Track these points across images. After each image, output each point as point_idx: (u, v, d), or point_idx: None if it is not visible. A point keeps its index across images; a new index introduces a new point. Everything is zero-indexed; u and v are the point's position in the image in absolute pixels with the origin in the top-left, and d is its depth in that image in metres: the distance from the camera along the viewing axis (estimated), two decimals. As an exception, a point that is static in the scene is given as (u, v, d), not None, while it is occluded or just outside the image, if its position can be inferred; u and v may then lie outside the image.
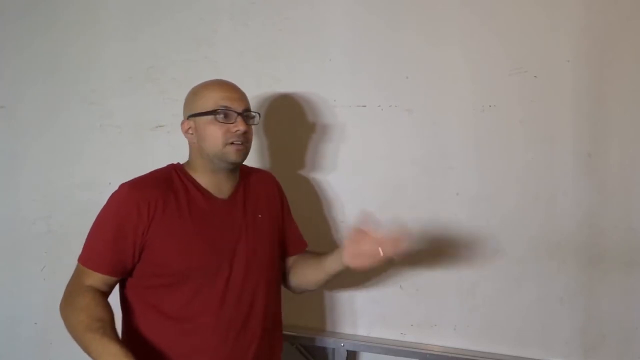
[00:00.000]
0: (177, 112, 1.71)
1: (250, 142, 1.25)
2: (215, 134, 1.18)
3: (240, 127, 1.18)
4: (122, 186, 1.20)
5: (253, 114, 1.26)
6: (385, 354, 1.58)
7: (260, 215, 1.30)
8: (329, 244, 1.61)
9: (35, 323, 1.88)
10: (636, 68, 1.39)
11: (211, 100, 1.20)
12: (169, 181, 1.22)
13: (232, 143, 1.19)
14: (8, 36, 1.87)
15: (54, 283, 1.85)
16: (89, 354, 1.06)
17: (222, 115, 1.18)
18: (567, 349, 1.47)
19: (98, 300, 1.14)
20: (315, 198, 1.64)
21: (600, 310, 1.44)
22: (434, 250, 1.55)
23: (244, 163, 1.29)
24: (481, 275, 1.52)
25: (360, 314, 1.64)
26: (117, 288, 1.24)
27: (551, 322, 1.48)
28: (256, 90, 1.64)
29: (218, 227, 1.22)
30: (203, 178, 1.24)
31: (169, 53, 1.75)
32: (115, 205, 1.18)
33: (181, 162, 1.30)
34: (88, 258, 1.18)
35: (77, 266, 1.19)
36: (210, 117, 1.19)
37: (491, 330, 1.52)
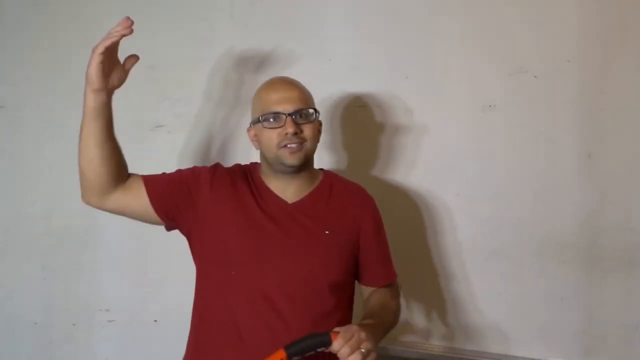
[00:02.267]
0: (177, 112, 1.73)
1: (311, 142, 1.18)
2: (269, 139, 1.17)
3: (289, 129, 1.14)
4: (212, 165, 1.27)
5: (308, 111, 1.19)
6: (386, 354, 1.58)
7: (327, 232, 1.19)
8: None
9: (35, 323, 1.88)
10: (636, 68, 1.39)
11: (262, 106, 1.19)
12: (243, 176, 1.25)
13: (285, 146, 1.15)
14: (8, 36, 1.87)
15: (54, 283, 1.86)
16: (85, 118, 1.19)
17: (270, 121, 1.16)
18: (567, 349, 1.47)
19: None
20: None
21: (600, 310, 1.44)
22: (434, 250, 1.55)
23: (340, 174, 1.32)
24: (481, 275, 1.52)
25: (360, 314, 1.63)
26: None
27: (551, 322, 1.47)
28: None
29: (267, 227, 1.18)
30: (271, 182, 1.23)
31: (169, 53, 1.74)
32: (196, 168, 1.27)
33: (255, 162, 1.31)
34: (149, 176, 1.22)
35: None
36: (262, 123, 1.17)
37: (491, 330, 1.52)
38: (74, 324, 1.84)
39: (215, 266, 1.19)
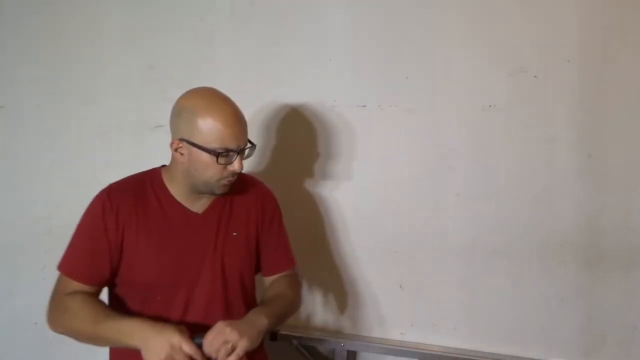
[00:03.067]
0: (177, 112, 1.72)
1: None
2: (211, 172, 1.13)
3: (237, 168, 1.14)
4: (101, 192, 1.20)
5: (249, 146, 1.18)
6: (385, 354, 1.58)
7: (235, 234, 1.24)
8: (328, 244, 1.61)
9: (35, 323, 1.87)
10: (636, 68, 1.39)
11: (214, 138, 1.10)
12: (142, 189, 1.20)
13: (226, 183, 1.16)
14: (8, 36, 1.87)
15: (53, 283, 1.86)
16: (110, 342, 1.09)
17: (223, 158, 1.12)
18: (567, 349, 1.47)
19: (91, 298, 1.15)
20: (314, 199, 1.64)
21: (600, 310, 1.44)
22: (434, 250, 1.55)
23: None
24: (481, 275, 1.52)
25: (361, 314, 1.64)
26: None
27: (551, 322, 1.48)
28: (256, 91, 1.64)
29: (185, 243, 1.19)
30: (179, 192, 1.20)
31: (168, 53, 1.74)
32: (90, 214, 1.19)
33: (155, 168, 1.26)
34: (67, 265, 1.18)
35: (59, 276, 1.19)
36: (210, 155, 1.11)
37: (491, 330, 1.52)
38: (74, 324, 1.83)
39: (136, 289, 1.19)
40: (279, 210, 1.34)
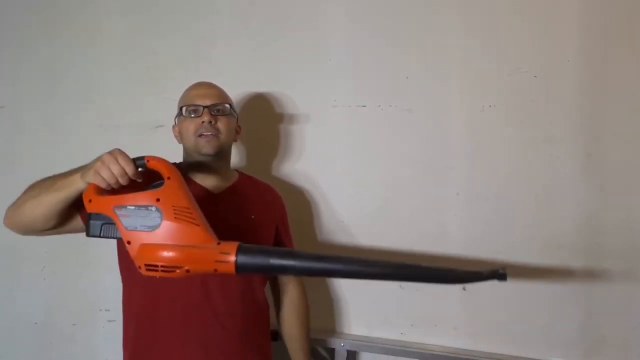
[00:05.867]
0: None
1: (225, 134, 1.27)
2: (187, 128, 1.26)
3: (204, 117, 1.24)
4: None
5: (224, 106, 1.29)
6: (385, 354, 1.58)
7: (253, 217, 1.31)
8: (328, 244, 1.61)
9: (35, 323, 1.88)
10: (636, 68, 1.39)
11: (184, 99, 1.31)
12: None
13: (201, 135, 1.24)
14: (8, 36, 1.87)
15: (54, 283, 1.86)
16: (55, 189, 1.06)
17: (190, 112, 1.26)
18: (567, 349, 1.47)
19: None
20: (315, 198, 1.64)
21: (600, 310, 1.44)
22: (434, 249, 1.55)
23: (253, 175, 1.40)
24: (481, 275, 1.52)
25: (360, 314, 1.64)
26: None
27: (551, 322, 1.47)
28: (256, 90, 1.64)
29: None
30: (193, 174, 1.29)
31: (168, 53, 1.75)
32: None
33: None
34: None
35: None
36: (182, 115, 1.28)
37: (491, 330, 1.52)
38: (74, 324, 1.84)
39: None
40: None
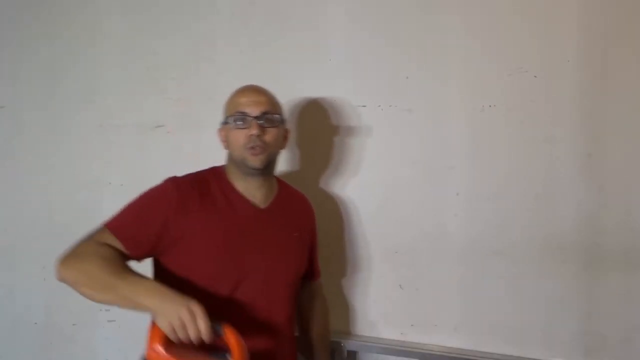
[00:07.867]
0: (177, 112, 1.73)
1: (274, 147, 1.24)
2: (236, 139, 1.21)
3: (253, 130, 1.19)
4: (169, 178, 1.22)
5: (273, 116, 1.23)
6: (385, 354, 1.58)
7: (296, 234, 1.32)
8: (328, 244, 1.61)
9: (35, 323, 1.88)
10: (636, 68, 1.39)
11: (231, 107, 1.24)
12: (207, 185, 1.23)
13: (250, 147, 1.19)
14: (8, 36, 1.87)
15: (54, 283, 1.85)
16: (120, 297, 1.03)
17: (238, 122, 1.20)
18: (567, 349, 1.47)
19: (120, 254, 1.11)
20: (312, 199, 1.64)
21: (600, 310, 1.44)
22: (434, 250, 1.55)
23: (286, 181, 1.39)
24: (481, 275, 1.52)
25: (360, 314, 1.64)
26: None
27: (551, 322, 1.47)
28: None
29: (251, 236, 1.22)
30: (238, 184, 1.25)
31: (168, 53, 1.75)
32: (155, 190, 1.21)
33: (219, 164, 1.30)
34: (115, 221, 1.16)
35: (100, 228, 1.16)
36: (230, 124, 1.22)
37: (491, 330, 1.52)
38: (74, 324, 1.84)
39: (198, 279, 1.18)
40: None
